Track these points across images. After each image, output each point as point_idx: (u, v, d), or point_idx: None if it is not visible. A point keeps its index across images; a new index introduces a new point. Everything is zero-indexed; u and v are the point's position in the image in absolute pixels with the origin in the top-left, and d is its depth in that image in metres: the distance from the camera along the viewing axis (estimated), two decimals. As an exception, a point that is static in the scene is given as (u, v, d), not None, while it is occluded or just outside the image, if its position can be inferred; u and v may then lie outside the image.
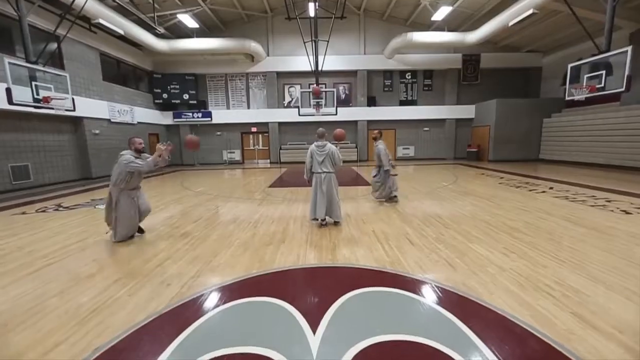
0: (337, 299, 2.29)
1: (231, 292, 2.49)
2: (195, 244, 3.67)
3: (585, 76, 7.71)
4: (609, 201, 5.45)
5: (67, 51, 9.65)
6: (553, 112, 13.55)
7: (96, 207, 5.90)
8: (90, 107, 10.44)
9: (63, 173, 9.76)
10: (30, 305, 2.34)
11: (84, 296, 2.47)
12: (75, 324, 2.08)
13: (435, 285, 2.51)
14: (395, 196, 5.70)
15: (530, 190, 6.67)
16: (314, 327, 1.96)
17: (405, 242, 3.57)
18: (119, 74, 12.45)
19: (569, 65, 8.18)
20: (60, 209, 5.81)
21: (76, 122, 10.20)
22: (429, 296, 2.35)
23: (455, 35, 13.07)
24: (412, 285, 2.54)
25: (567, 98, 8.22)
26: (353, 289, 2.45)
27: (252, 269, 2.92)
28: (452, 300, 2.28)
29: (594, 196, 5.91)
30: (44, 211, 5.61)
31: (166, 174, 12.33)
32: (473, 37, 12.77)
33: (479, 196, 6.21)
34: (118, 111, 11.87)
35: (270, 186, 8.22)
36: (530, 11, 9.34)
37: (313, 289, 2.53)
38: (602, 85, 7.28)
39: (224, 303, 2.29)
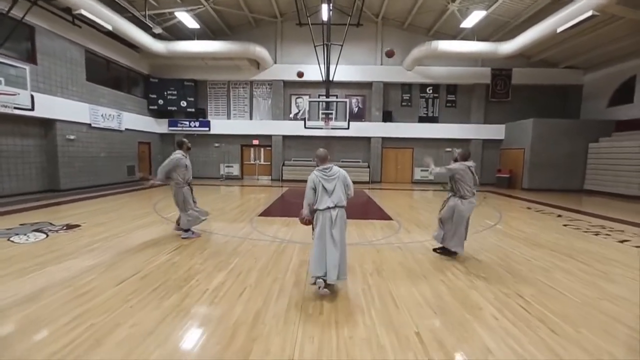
0: None
1: None
2: (79, 349, 1.89)
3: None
4: None
5: (43, 44, 8.41)
6: (601, 135, 11.62)
7: (11, 239, 4.22)
8: (66, 109, 9.08)
9: (23, 184, 8.26)
10: None
11: None
12: None
13: None
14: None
15: (622, 242, 4.72)
16: None
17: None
18: (109, 75, 11.22)
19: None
20: (-37, 239, 4.16)
21: (47, 125, 8.82)
22: None
23: (487, 46, 11.52)
24: None
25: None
26: None
27: None
28: None
29: None
30: None
31: (158, 186, 10.75)
32: (508, 47, 11.19)
33: (551, 248, 4.30)
34: (102, 115, 10.52)
35: (262, 214, 6.46)
36: (590, 13, 7.71)
37: None
38: None
39: None
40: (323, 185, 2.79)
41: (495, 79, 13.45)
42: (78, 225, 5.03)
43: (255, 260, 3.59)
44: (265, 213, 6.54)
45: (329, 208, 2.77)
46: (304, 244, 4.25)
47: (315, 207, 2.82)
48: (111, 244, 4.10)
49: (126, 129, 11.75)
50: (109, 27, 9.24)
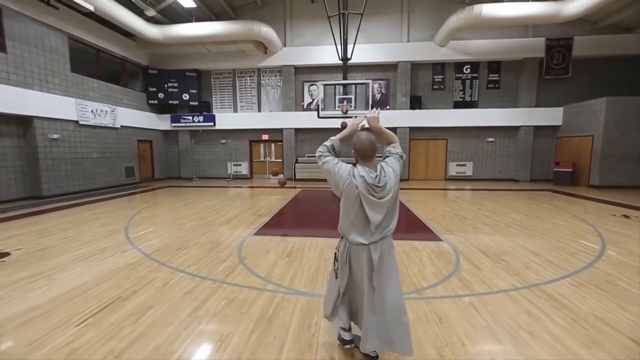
0: None
1: None
2: None
3: None
4: None
5: (13, 29, 7.26)
6: (701, 116, 8.99)
7: None
8: (46, 104, 7.97)
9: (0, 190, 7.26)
10: None
11: None
12: None
13: None
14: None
15: None
16: None
17: None
18: (100, 66, 10.07)
19: None
20: None
21: (24, 123, 7.75)
22: None
23: (547, 6, 9.14)
24: None
25: None
26: None
27: None
28: None
29: None
30: None
31: (158, 189, 9.58)
32: (575, 6, 8.80)
33: None
34: (92, 111, 9.41)
35: (259, 230, 4.87)
36: None
37: None
38: None
39: None
40: (368, 203, 1.59)
41: (551, 51, 10.98)
42: (7, 254, 3.70)
43: (220, 344, 1.98)
44: (265, 229, 4.96)
45: (365, 244, 1.62)
46: (309, 296, 2.61)
47: (349, 238, 1.68)
48: (12, 297, 2.67)
49: (122, 126, 10.63)
50: (90, 8, 7.97)
